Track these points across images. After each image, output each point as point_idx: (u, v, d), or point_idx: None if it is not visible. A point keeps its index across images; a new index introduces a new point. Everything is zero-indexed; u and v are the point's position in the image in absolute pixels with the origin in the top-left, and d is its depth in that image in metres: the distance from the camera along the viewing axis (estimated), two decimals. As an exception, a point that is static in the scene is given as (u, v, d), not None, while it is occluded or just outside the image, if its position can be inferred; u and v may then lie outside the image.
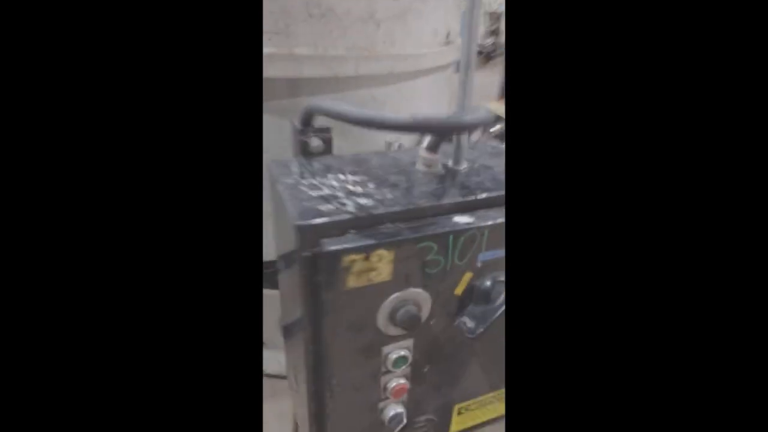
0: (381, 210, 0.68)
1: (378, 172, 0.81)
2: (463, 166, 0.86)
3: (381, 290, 0.69)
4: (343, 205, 0.68)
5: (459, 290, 0.78)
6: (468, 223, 0.71)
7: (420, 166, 0.83)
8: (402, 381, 0.83)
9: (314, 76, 1.26)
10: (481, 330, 0.76)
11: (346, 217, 0.66)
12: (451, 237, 0.70)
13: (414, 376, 0.85)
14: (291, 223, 0.66)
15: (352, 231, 0.66)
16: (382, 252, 0.67)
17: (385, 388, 0.83)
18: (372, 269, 0.67)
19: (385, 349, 0.77)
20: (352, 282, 0.67)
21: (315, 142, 0.84)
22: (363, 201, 0.70)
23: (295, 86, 1.28)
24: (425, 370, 0.85)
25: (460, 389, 0.90)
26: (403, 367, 0.80)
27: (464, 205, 0.74)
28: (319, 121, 0.88)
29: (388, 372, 0.81)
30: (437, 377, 0.87)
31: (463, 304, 0.80)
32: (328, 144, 0.86)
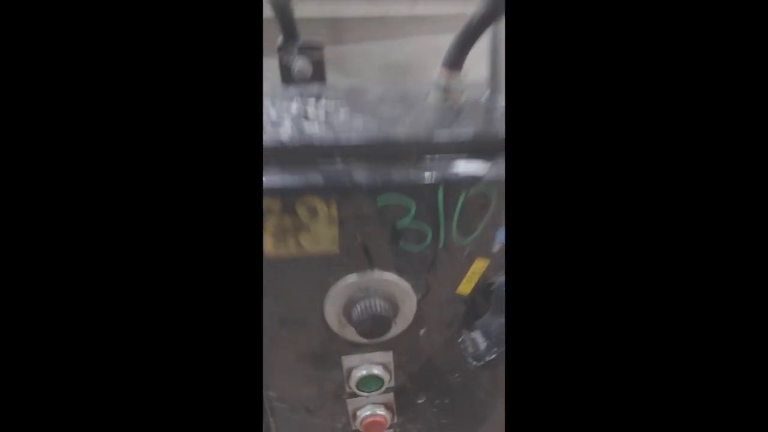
0: (329, 139, 0.42)
1: (368, 100, 0.55)
2: (500, 101, 0.55)
3: (325, 269, 0.44)
4: (279, 128, 0.45)
5: (466, 287, 0.49)
6: (475, 174, 0.42)
7: (433, 97, 0.55)
8: (379, 412, 0.57)
9: (359, 16, 1.04)
10: (494, 356, 0.46)
11: (268, 143, 0.42)
12: (440, 190, 0.42)
13: (401, 409, 0.58)
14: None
15: (273, 166, 0.42)
16: (315, 202, 0.42)
17: (354, 417, 0.58)
18: (301, 229, 0.43)
19: (347, 361, 0.52)
20: (271, 246, 0.43)
21: (299, 65, 0.62)
22: (312, 128, 0.45)
23: (336, 28, 1.07)
24: (420, 401, 0.58)
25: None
26: (377, 391, 0.54)
27: (477, 145, 0.44)
28: (308, 33, 0.65)
29: (354, 395, 0.55)
30: (438, 415, 0.59)
31: (473, 310, 0.51)
32: (318, 68, 0.63)
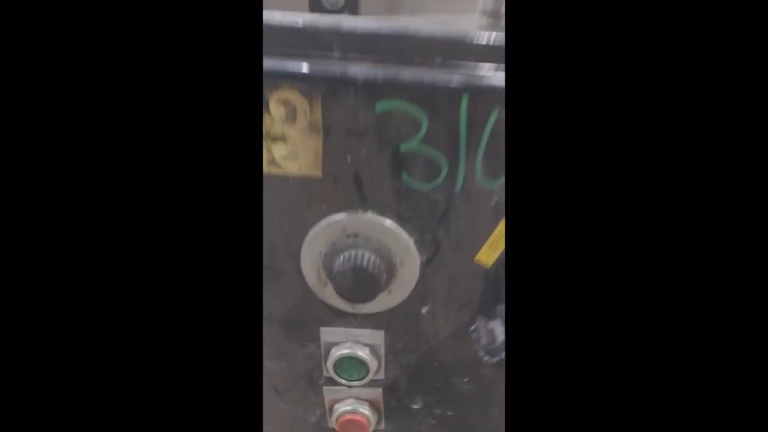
0: (329, 24, 0.30)
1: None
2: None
3: (303, 200, 0.34)
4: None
5: (488, 256, 0.36)
6: None
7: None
8: (362, 410, 0.45)
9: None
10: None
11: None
12: (464, 100, 0.31)
13: (390, 413, 0.46)
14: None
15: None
16: (294, 98, 0.32)
17: (330, 411, 0.46)
18: (275, 137, 0.33)
19: (326, 334, 0.41)
20: None
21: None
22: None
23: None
24: (415, 407, 0.45)
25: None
26: (359, 381, 0.43)
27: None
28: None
29: (333, 383, 0.44)
30: (436, 430, 0.46)
31: (495, 291, 0.38)
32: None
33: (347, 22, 0.31)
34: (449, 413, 0.45)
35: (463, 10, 0.47)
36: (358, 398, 0.45)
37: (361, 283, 0.34)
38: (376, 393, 0.44)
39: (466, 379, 0.42)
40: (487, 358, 0.37)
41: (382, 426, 0.47)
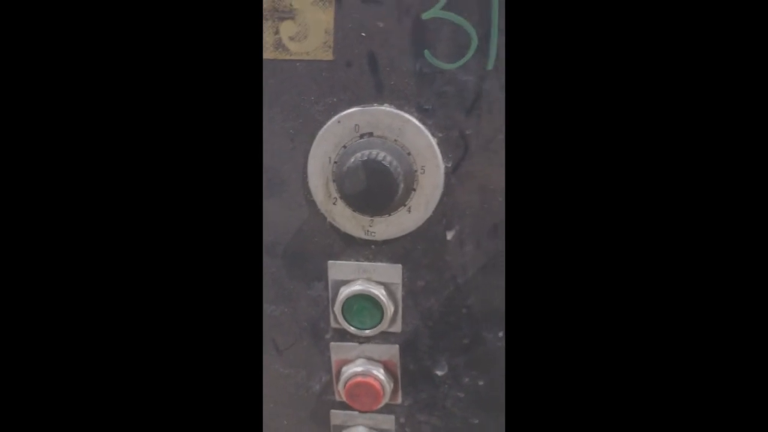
0: None
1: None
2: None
3: (313, 88, 0.30)
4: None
5: None
6: None
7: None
8: (375, 373, 0.38)
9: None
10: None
11: None
12: None
13: (410, 383, 0.38)
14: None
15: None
16: None
17: (338, 376, 0.39)
18: (284, 15, 0.30)
19: (334, 269, 0.35)
20: None
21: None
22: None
23: None
24: (439, 373, 0.38)
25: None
26: (372, 328, 0.36)
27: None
28: None
29: (342, 335, 0.37)
30: (464, 404, 0.38)
31: None
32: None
33: None
34: (480, 382, 0.37)
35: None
36: (371, 359, 0.38)
37: (375, 183, 0.29)
38: (392, 351, 0.37)
39: (500, 333, 0.35)
40: None
41: (399, 399, 0.39)
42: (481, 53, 0.28)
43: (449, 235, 0.33)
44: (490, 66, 0.28)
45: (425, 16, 0.28)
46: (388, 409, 0.40)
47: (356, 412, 0.41)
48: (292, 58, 0.30)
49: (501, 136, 0.30)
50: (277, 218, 0.35)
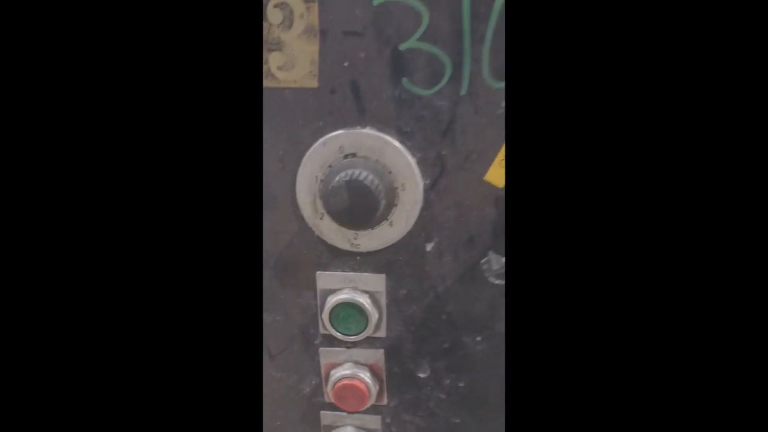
0: None
1: None
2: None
3: (300, 113, 0.32)
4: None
5: (500, 174, 0.33)
6: None
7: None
8: (361, 376, 0.40)
9: None
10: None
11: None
12: None
13: (395, 384, 0.41)
14: None
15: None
16: (291, 0, 0.31)
17: (327, 379, 0.41)
18: (272, 46, 0.32)
19: (322, 279, 0.38)
20: None
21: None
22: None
23: None
24: (422, 375, 0.40)
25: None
26: (357, 335, 0.38)
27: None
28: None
29: (330, 341, 0.40)
30: (447, 405, 0.41)
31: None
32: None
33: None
34: (460, 384, 0.39)
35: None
36: (357, 362, 0.40)
37: (358, 201, 0.31)
38: (378, 356, 0.39)
39: (479, 338, 0.38)
40: (496, 281, 0.32)
41: (385, 401, 0.41)
42: (454, 80, 0.31)
43: (429, 247, 0.35)
44: (463, 92, 0.31)
45: (402, 46, 0.30)
46: (374, 409, 0.43)
47: (345, 413, 0.43)
48: (281, 86, 0.32)
49: (474, 156, 0.33)
50: (269, 232, 0.37)
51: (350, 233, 0.35)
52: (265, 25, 0.31)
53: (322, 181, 0.34)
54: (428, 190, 0.34)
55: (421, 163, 0.33)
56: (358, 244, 0.36)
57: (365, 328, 0.38)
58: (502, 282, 0.33)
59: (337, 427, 0.43)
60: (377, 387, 0.40)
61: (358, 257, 0.37)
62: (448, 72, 0.30)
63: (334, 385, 0.40)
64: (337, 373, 0.40)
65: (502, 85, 0.30)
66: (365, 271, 0.37)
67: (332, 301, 0.37)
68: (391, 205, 0.34)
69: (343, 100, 0.32)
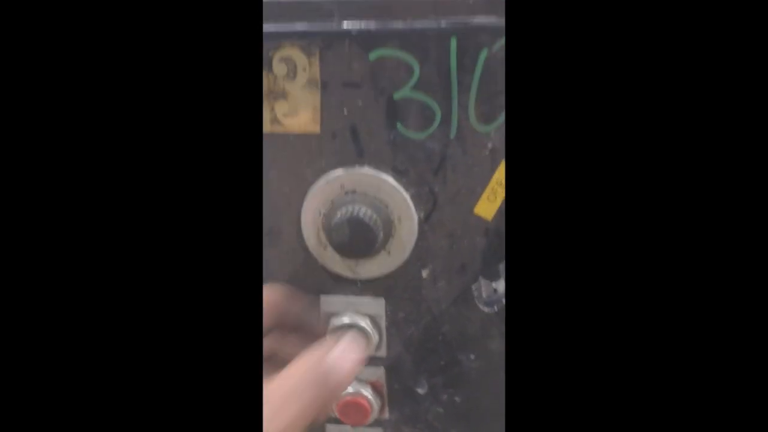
0: None
1: None
2: None
3: (303, 155, 0.35)
4: None
5: (487, 208, 0.36)
6: (501, 25, 0.32)
7: None
8: (364, 393, 0.43)
9: None
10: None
11: None
12: (453, 42, 0.32)
13: (395, 400, 0.43)
14: None
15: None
16: (294, 54, 0.34)
17: None
18: (277, 95, 0.35)
19: (326, 302, 0.40)
20: None
21: None
22: None
23: None
24: (420, 391, 0.43)
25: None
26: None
27: None
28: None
29: None
30: (445, 419, 0.43)
31: (497, 247, 0.37)
32: None
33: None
34: (457, 399, 0.42)
35: None
36: (360, 380, 0.43)
37: (358, 235, 0.34)
38: (379, 373, 0.42)
39: (472, 356, 0.40)
40: (486, 309, 0.35)
41: (386, 414, 0.44)
42: (444, 125, 0.34)
43: (424, 274, 0.38)
44: (452, 135, 0.34)
45: (396, 96, 0.33)
46: (376, 423, 0.45)
47: (348, 427, 0.46)
48: (286, 131, 0.35)
49: (464, 191, 0.36)
50: (275, 262, 0.40)
51: (352, 262, 0.38)
52: (270, 76, 0.34)
53: (324, 215, 0.37)
54: (422, 222, 0.37)
55: (415, 198, 0.36)
56: (359, 272, 0.39)
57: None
58: (492, 310, 0.36)
59: (339, 440, 0.46)
60: (379, 403, 0.43)
61: (359, 283, 0.40)
62: (438, 118, 0.33)
63: (339, 401, 0.42)
64: (341, 390, 0.43)
65: (489, 128, 0.33)
66: (366, 296, 0.40)
67: (335, 323, 0.40)
68: (388, 236, 0.37)
69: (343, 143, 0.35)
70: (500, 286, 0.36)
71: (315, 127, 0.35)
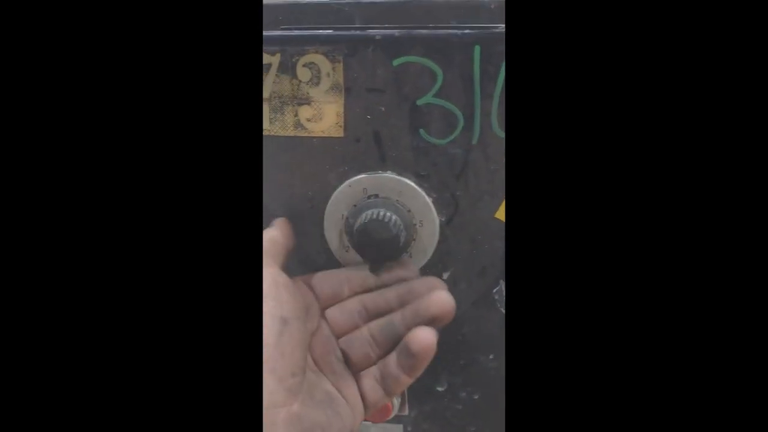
0: None
1: None
2: None
3: (327, 160, 0.36)
4: None
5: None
6: None
7: None
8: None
9: None
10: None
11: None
12: (477, 51, 0.32)
13: (414, 396, 0.44)
14: None
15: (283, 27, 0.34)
16: (319, 60, 0.34)
17: None
18: (301, 100, 0.35)
19: None
20: (267, 122, 0.36)
21: None
22: None
23: None
24: (440, 389, 0.44)
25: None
26: None
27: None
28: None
29: None
30: (463, 415, 0.44)
31: None
32: None
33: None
34: (476, 397, 0.43)
35: None
36: (381, 378, 0.44)
37: (380, 238, 0.35)
38: (400, 372, 0.43)
39: (491, 356, 0.41)
40: (506, 311, 0.36)
41: (406, 411, 0.45)
42: (467, 131, 0.34)
43: (445, 276, 0.39)
44: (474, 141, 0.34)
45: (419, 102, 0.34)
46: (397, 419, 0.46)
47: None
48: (310, 135, 0.36)
49: (485, 196, 0.36)
50: (298, 264, 0.41)
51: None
52: (294, 81, 0.35)
53: (347, 218, 0.38)
54: (444, 226, 0.37)
55: (436, 202, 0.36)
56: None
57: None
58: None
59: (363, 437, 0.47)
60: (399, 400, 0.44)
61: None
62: (461, 124, 0.34)
63: (360, 398, 0.44)
64: (362, 388, 0.44)
65: (510, 134, 0.33)
66: (387, 297, 0.41)
67: (358, 324, 0.41)
68: (410, 239, 0.37)
69: (366, 148, 0.36)
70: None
71: (338, 132, 0.35)
